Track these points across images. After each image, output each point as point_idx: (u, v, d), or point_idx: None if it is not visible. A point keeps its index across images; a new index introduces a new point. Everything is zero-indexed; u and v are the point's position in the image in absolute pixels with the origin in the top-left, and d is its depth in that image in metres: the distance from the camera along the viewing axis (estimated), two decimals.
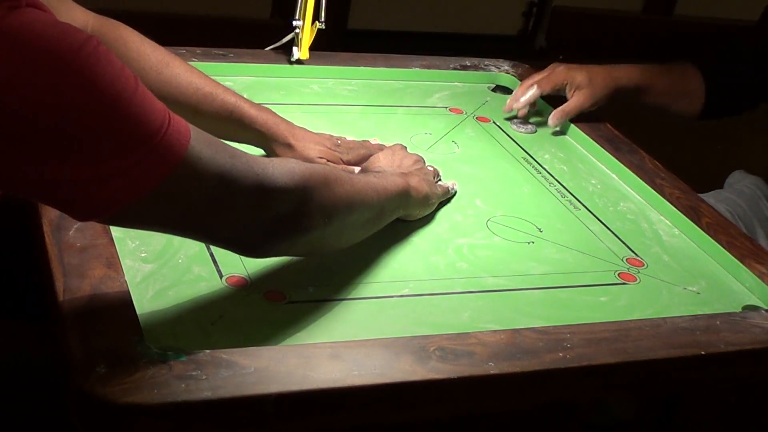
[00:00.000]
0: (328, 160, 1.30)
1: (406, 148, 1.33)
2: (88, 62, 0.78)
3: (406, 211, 1.20)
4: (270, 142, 1.30)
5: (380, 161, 1.28)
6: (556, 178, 1.44)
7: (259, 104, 1.32)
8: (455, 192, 1.33)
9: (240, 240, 0.94)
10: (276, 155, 1.29)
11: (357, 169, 1.29)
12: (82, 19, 1.21)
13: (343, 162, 1.31)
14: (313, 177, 0.97)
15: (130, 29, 1.26)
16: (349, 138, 1.37)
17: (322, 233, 1.00)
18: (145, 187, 0.83)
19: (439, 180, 1.33)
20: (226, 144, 0.91)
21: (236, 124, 1.28)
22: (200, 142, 0.86)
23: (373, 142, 1.37)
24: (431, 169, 1.31)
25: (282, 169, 0.93)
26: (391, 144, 1.35)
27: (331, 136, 1.35)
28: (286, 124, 1.31)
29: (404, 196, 1.17)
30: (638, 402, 1.17)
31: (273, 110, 1.32)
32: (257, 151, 1.30)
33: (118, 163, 0.81)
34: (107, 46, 1.09)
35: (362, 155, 1.33)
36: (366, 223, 1.10)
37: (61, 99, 0.77)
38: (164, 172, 0.83)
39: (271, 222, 0.93)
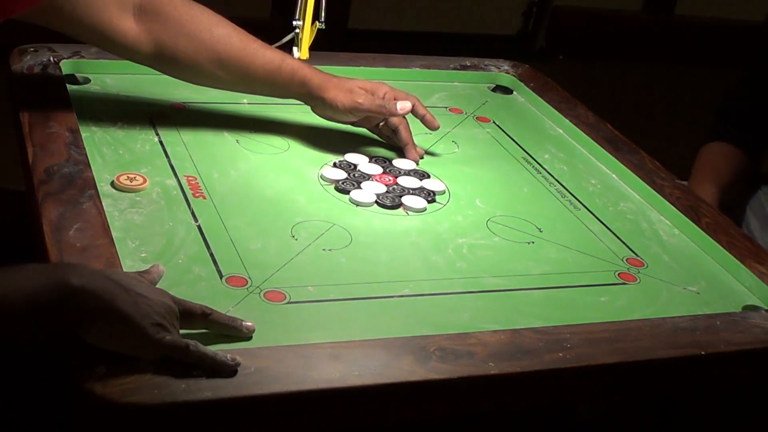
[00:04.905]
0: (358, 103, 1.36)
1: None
2: None
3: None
4: (308, 99, 1.38)
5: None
6: (556, 178, 1.44)
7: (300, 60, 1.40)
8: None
9: None
10: (317, 109, 1.39)
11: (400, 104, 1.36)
12: None
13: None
14: None
15: None
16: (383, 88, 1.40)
17: None
18: None
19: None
20: None
21: (282, 78, 1.35)
22: None
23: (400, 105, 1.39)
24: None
25: None
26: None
27: (361, 84, 1.39)
28: (320, 79, 1.37)
29: None
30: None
31: (310, 65, 1.39)
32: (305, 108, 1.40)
33: None
34: (157, 11, 1.22)
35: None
36: None
37: None
38: None
39: None
